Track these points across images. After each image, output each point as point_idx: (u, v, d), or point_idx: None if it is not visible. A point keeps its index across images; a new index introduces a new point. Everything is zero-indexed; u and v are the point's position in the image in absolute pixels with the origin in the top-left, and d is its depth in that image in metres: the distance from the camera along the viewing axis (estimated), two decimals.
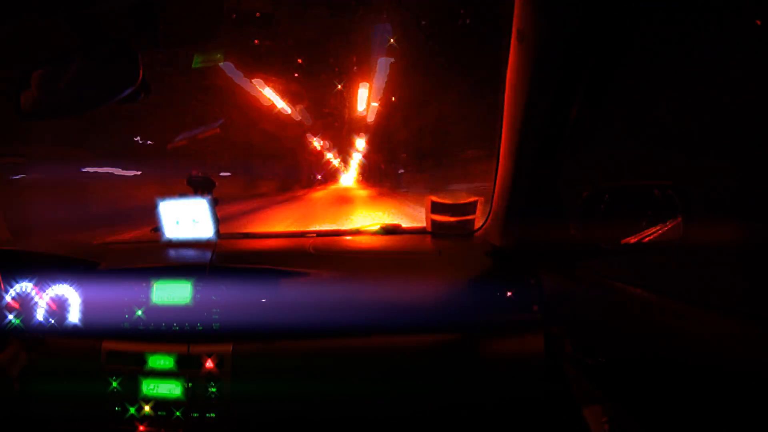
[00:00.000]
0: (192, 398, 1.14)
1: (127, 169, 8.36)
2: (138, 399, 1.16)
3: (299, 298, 1.19)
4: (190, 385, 1.14)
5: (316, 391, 1.17)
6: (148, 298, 1.19)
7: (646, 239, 1.05)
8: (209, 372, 1.15)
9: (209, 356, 1.15)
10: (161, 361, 1.16)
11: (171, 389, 1.15)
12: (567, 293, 1.16)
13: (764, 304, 0.79)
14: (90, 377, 1.17)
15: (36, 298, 1.21)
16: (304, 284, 1.21)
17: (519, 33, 0.93)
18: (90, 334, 1.19)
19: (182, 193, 1.34)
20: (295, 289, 1.20)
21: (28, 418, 1.16)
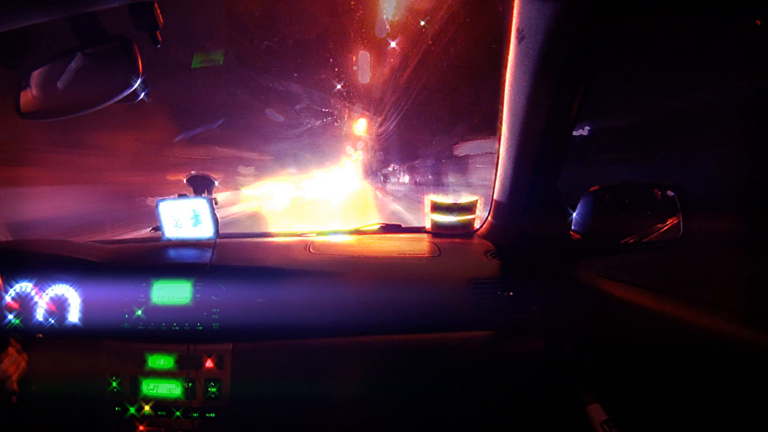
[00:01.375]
0: (192, 398, 1.14)
1: None
2: (138, 399, 1.16)
3: (299, 297, 1.19)
4: (190, 384, 1.14)
5: (316, 390, 1.17)
6: (147, 297, 1.19)
7: (646, 239, 1.06)
8: (209, 372, 1.15)
9: (209, 356, 1.15)
10: (161, 360, 1.16)
11: (171, 389, 1.15)
12: (567, 293, 1.16)
13: (764, 304, 0.79)
14: (90, 377, 1.17)
15: (36, 298, 1.20)
16: (304, 284, 1.21)
17: (518, 32, 0.93)
18: (90, 334, 1.19)
19: (182, 193, 1.34)
20: (295, 289, 1.20)
21: (28, 418, 1.16)
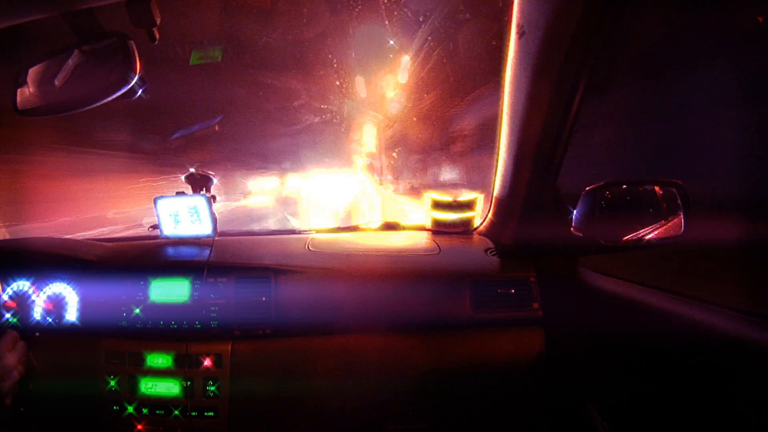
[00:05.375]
0: (190, 397, 1.14)
1: None
2: (136, 397, 1.15)
3: (297, 295, 1.19)
4: (188, 383, 1.14)
5: (315, 388, 1.17)
6: (146, 296, 1.19)
7: (648, 236, 1.05)
8: (208, 370, 1.14)
9: (208, 355, 1.15)
10: (159, 359, 1.15)
11: (169, 388, 1.15)
12: (567, 291, 1.16)
13: (764, 304, 0.79)
14: (88, 376, 1.16)
15: (33, 297, 1.20)
16: (303, 282, 1.21)
17: (519, 28, 0.93)
18: (88, 332, 1.18)
19: (180, 191, 1.33)
20: (294, 287, 1.20)
21: (26, 417, 1.16)
